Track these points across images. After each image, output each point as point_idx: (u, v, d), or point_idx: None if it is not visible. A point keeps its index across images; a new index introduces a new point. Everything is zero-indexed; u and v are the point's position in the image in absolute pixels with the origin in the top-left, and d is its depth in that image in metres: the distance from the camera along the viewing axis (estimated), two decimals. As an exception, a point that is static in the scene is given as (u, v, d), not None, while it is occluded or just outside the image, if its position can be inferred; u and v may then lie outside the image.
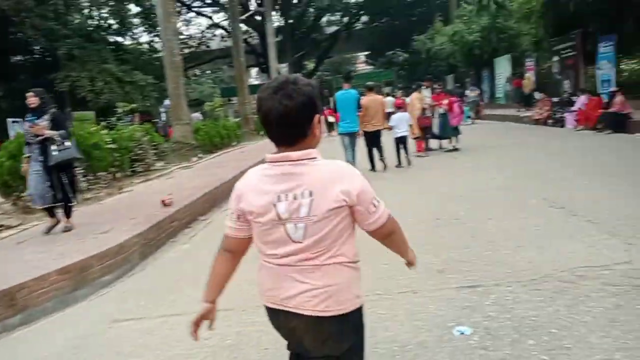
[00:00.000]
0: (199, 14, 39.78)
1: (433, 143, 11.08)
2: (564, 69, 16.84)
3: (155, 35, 26.40)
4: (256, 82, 44.75)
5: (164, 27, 12.76)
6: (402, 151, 9.00)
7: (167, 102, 33.94)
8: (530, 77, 19.15)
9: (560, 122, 13.02)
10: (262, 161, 1.41)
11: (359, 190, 1.34)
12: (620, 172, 6.17)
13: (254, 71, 59.94)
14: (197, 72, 62.24)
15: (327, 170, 1.34)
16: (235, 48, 20.39)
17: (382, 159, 8.82)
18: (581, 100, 12.08)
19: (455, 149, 10.46)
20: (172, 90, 13.31)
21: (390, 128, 9.04)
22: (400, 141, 8.96)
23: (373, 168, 8.82)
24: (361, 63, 61.02)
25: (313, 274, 1.34)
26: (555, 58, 17.42)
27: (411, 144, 9.55)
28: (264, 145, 16.10)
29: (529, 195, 5.43)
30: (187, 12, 38.65)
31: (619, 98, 10.31)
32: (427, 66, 33.88)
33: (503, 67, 22.57)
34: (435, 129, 10.76)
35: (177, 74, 13.20)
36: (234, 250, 1.52)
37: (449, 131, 10.46)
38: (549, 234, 3.91)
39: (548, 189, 5.59)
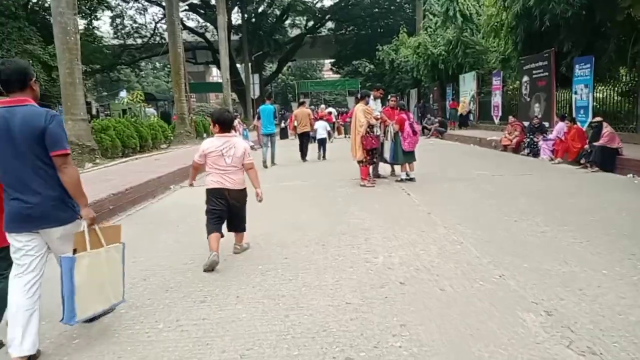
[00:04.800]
0: (153, 2, 36.47)
1: (383, 168, 8.97)
2: (534, 91, 15.19)
3: (85, 16, 23.15)
4: (221, 80, 40.75)
5: (55, -4, 10.03)
6: (321, 150, 12.80)
7: (123, 93, 29.93)
8: (465, 100, 20.69)
9: (533, 152, 11.14)
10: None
11: (248, 148, 4.35)
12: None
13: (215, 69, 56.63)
14: (158, 65, 57.98)
15: (240, 140, 4.41)
16: (171, 37, 17.67)
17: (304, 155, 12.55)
18: (559, 128, 10.16)
19: (410, 179, 8.26)
20: (64, 77, 10.54)
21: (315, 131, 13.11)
22: (320, 142, 12.89)
23: (303, 158, 12.50)
24: (327, 70, 58.91)
25: (234, 175, 4.19)
26: (525, 78, 15.77)
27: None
28: (195, 150, 13.35)
29: (513, 296, 3.23)
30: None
31: (607, 129, 8.34)
32: (392, 78, 32.13)
33: (469, 84, 20.93)
34: (386, 153, 8.60)
35: (72, 57, 10.45)
36: (197, 167, 4.35)
37: (400, 156, 8.29)
38: None
39: (532, 279, 3.40)
